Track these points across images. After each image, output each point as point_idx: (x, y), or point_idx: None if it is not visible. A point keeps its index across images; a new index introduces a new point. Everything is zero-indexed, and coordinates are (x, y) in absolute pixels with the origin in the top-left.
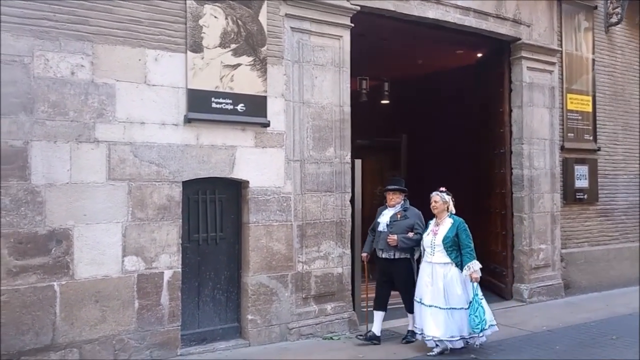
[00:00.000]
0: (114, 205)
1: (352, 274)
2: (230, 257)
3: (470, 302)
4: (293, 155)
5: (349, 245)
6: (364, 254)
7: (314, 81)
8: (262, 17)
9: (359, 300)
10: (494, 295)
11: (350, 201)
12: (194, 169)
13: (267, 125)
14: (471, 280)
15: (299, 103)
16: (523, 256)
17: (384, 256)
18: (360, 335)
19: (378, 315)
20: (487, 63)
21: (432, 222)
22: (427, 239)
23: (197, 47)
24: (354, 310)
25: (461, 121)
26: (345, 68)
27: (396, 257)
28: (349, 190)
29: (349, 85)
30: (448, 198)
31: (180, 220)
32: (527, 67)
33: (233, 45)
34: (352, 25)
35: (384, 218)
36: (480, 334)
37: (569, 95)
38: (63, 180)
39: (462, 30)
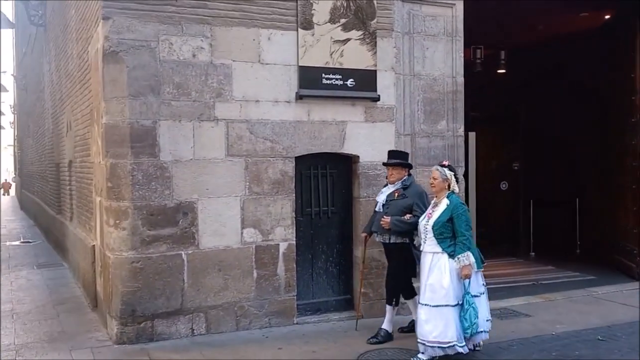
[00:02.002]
0: (232, 180)
1: None
2: (342, 230)
3: (463, 300)
4: (403, 130)
5: None
6: (363, 234)
7: (424, 52)
8: None
9: None
10: (621, 274)
11: (464, 175)
12: (305, 144)
13: (377, 99)
14: (461, 277)
15: (409, 76)
16: None
17: (378, 239)
18: (373, 338)
19: (388, 310)
20: (616, 25)
21: (432, 203)
22: (421, 223)
23: (307, 24)
24: None
25: (586, 89)
26: (458, 37)
27: (391, 241)
28: (463, 164)
29: (462, 55)
30: (450, 174)
31: (294, 195)
32: None
33: (342, 20)
34: None
35: (382, 197)
36: (469, 339)
37: None
38: (187, 156)
39: None
